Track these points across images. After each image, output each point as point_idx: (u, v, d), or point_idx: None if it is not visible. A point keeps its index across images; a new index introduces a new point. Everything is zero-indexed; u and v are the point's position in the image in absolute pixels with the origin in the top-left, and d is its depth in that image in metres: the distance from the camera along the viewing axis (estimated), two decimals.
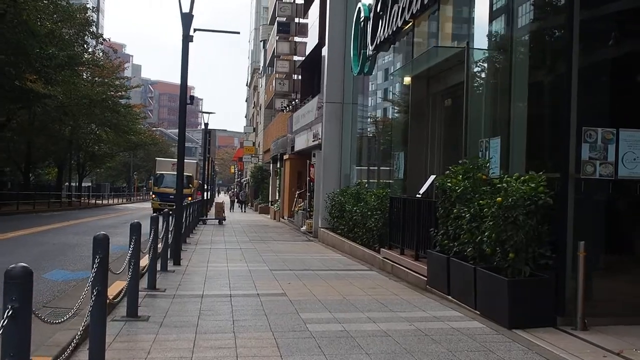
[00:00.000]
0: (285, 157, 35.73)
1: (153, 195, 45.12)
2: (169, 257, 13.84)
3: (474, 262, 8.89)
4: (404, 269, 11.92)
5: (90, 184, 79.84)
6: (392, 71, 15.99)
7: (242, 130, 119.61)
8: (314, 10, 29.18)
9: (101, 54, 48.87)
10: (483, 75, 10.87)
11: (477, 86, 10.91)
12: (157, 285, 10.43)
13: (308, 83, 33.83)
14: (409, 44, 14.82)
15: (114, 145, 60.40)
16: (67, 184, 59.36)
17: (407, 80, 15.25)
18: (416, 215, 11.71)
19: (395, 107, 16.17)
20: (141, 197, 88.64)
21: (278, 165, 42.60)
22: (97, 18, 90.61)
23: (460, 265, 9.09)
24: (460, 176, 9.56)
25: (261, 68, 72.92)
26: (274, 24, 52.28)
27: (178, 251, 14.08)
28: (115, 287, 9.35)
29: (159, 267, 12.43)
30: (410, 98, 14.12)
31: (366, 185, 16.80)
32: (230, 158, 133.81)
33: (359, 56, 18.78)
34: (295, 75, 38.11)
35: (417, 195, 12.15)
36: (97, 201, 62.59)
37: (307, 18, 33.88)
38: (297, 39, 36.92)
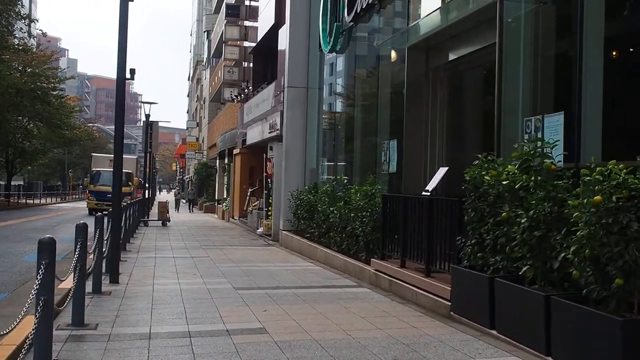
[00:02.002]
0: (236, 151, 32.81)
1: (89, 194, 41.71)
2: (104, 271, 11.00)
3: (540, 286, 6.33)
4: (410, 287, 9.30)
5: (22, 183, 75.12)
6: (379, 43, 13.28)
7: (183, 127, 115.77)
8: None
9: (31, 39, 44.90)
10: (523, 35, 8.28)
11: (514, 51, 8.33)
12: (85, 320, 7.57)
13: (261, 70, 30.93)
14: (401, 10, 12.23)
15: (47, 140, 56.29)
16: None
17: (394, 56, 12.70)
18: (426, 219, 9.10)
19: (383, 87, 13.54)
20: (77, 196, 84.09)
21: (226, 161, 39.62)
22: (30, 7, 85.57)
23: (516, 290, 6.51)
24: (509, 167, 6.98)
25: (205, 60, 69.71)
26: (218, 13, 49.30)
27: (116, 265, 11.18)
28: (24, 328, 6.51)
29: (89, 289, 9.60)
30: (406, 75, 11.50)
31: (345, 181, 14.13)
32: (171, 155, 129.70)
33: (330, 31, 16.11)
34: (246, 63, 35.16)
35: (424, 193, 9.56)
36: (28, 201, 58.34)
37: (259, 0, 31.06)
38: (247, 23, 33.98)
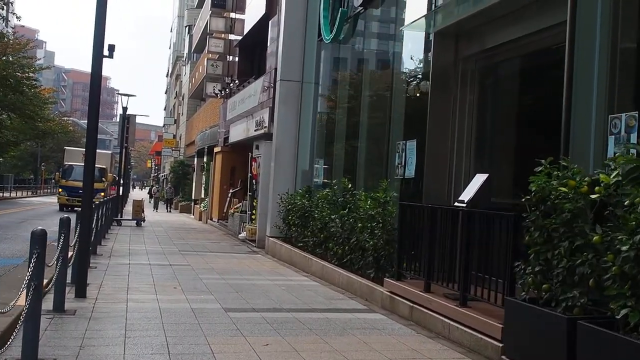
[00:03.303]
0: (217, 149, 31.03)
1: (60, 189, 39.76)
2: (69, 281, 9.29)
3: None
4: (440, 317, 7.69)
5: None
6: (401, 27, 11.58)
7: (160, 124, 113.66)
8: None
9: (7, 27, 42.70)
10: (601, 11, 6.68)
11: (589, 32, 6.73)
12: (40, 353, 5.87)
13: (247, 64, 29.26)
14: None
15: (19, 132, 54.15)
16: None
17: (415, 43, 11.09)
18: (464, 235, 7.51)
19: (398, 81, 11.92)
20: (49, 191, 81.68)
21: (205, 160, 37.83)
22: None
23: (621, 342, 4.89)
24: (602, 176, 5.39)
25: (185, 55, 67.80)
26: (201, 7, 47.54)
27: (83, 277, 9.44)
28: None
29: (49, 306, 7.94)
30: (432, 65, 9.85)
31: (350, 186, 12.46)
32: (147, 152, 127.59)
33: (333, 18, 14.52)
34: (230, 57, 33.39)
35: (458, 204, 7.96)
36: None
37: None
38: (233, 15, 32.22)
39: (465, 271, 7.43)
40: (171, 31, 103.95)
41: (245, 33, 28.22)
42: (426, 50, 10.69)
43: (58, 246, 8.22)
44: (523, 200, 6.20)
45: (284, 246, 15.61)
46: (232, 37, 32.66)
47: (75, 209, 10.12)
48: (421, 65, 11.06)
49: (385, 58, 13.14)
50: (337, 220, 11.92)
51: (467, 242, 7.44)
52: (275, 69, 18.78)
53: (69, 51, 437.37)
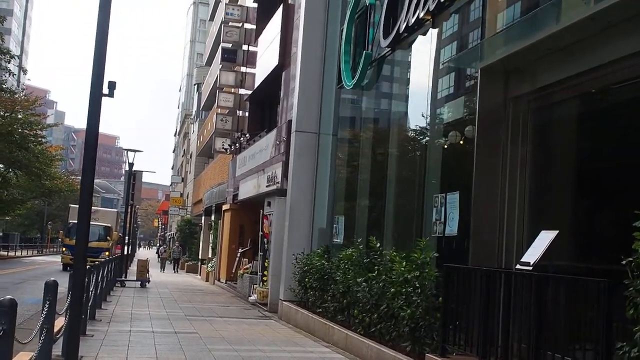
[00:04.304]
0: (225, 207, 29.77)
1: (64, 248, 38.44)
2: (58, 353, 8.06)
3: None
4: None
5: None
6: (443, 60, 10.34)
7: (167, 184, 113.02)
8: (272, 27, 23.79)
9: (19, 86, 42.06)
10: None
11: None
12: None
13: (257, 118, 28.26)
14: (461, 25, 9.48)
15: (26, 190, 53.23)
16: None
17: (442, 80, 9.90)
18: (534, 305, 6.16)
19: (434, 126, 10.70)
20: (55, 249, 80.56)
21: (213, 218, 36.54)
22: (20, 58, 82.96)
23: None
24: None
25: (194, 113, 67.38)
26: (210, 65, 47.09)
27: (74, 351, 8.05)
28: None
29: None
30: (478, 107, 8.60)
31: (378, 245, 11.12)
32: (154, 211, 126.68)
33: (355, 64, 13.41)
34: (240, 112, 32.42)
35: (521, 267, 6.63)
36: (2, 252, 54.81)
37: (257, 46, 28.55)
38: (244, 69, 31.36)
39: (537, 350, 6.06)
40: (180, 90, 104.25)
41: (256, 86, 27.31)
42: (468, 90, 9.50)
43: (42, 315, 6.94)
44: (624, 263, 4.89)
45: (300, 311, 14.20)
46: (242, 91, 31.73)
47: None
48: (462, 108, 9.86)
49: (417, 103, 11.92)
50: (363, 283, 10.54)
51: (538, 315, 6.09)
52: (290, 121, 17.71)
53: (80, 112, 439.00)
